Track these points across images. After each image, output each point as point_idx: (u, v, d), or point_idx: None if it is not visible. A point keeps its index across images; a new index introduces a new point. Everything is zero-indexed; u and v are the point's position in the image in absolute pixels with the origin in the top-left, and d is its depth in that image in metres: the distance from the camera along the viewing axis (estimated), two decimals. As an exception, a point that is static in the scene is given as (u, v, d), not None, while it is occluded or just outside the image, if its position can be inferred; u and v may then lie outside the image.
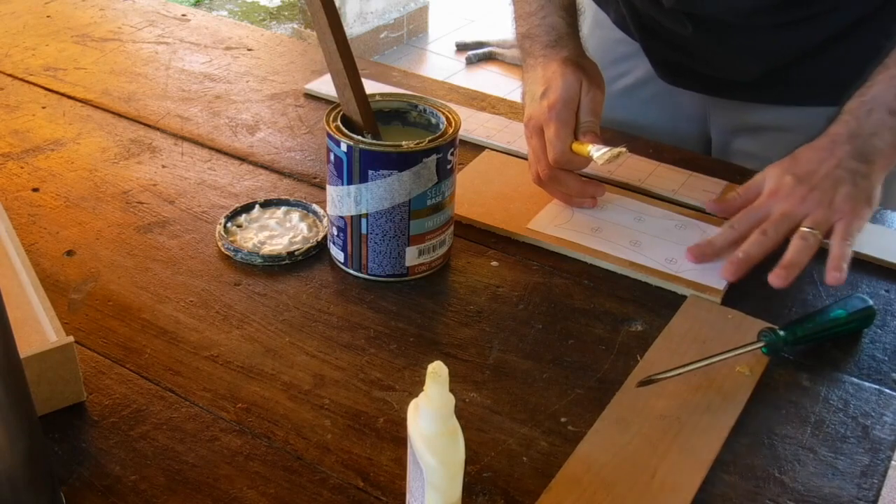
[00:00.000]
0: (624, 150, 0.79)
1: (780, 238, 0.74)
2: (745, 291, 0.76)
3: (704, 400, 0.65)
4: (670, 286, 0.76)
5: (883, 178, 0.77)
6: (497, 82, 3.31)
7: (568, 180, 0.84)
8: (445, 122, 0.75)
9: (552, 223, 0.83)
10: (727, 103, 1.00)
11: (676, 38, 0.94)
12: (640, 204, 0.87)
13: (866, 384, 0.68)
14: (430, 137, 0.72)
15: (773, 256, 0.74)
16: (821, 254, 0.81)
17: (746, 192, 0.80)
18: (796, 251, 0.73)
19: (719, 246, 0.77)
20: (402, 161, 0.70)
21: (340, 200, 0.74)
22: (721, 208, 0.82)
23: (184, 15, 1.27)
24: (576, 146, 0.81)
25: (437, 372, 0.47)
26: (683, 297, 0.75)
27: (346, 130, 0.73)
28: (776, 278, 0.72)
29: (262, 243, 0.80)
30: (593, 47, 1.12)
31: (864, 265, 0.80)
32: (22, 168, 0.90)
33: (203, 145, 0.96)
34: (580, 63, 0.84)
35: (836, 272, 0.72)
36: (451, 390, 0.48)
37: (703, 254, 0.77)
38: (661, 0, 0.89)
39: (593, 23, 1.11)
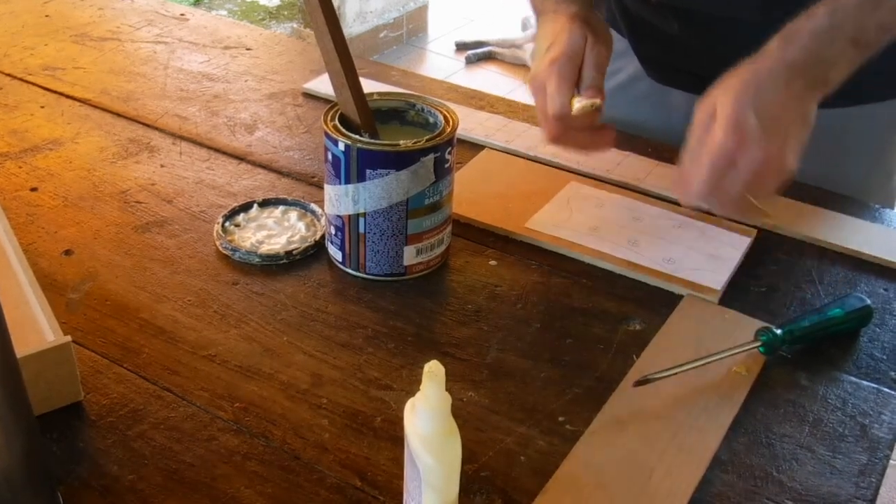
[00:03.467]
0: (598, 102, 0.78)
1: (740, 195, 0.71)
2: (742, 291, 0.76)
3: (702, 400, 0.65)
4: (668, 286, 0.76)
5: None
6: (496, 82, 3.31)
7: (577, 137, 0.82)
8: (443, 122, 0.75)
9: (550, 222, 0.83)
10: None
11: (664, 37, 0.94)
12: (639, 203, 0.87)
13: (864, 383, 0.68)
14: (427, 136, 0.72)
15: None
16: (819, 253, 0.81)
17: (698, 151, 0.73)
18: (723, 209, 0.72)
19: (699, 196, 0.73)
20: (399, 160, 0.70)
21: (338, 200, 0.74)
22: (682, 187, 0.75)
23: (182, 14, 1.27)
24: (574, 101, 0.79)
25: (433, 371, 0.47)
26: (681, 297, 0.75)
27: (343, 130, 0.72)
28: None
29: (260, 242, 0.80)
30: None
31: (862, 264, 0.80)
32: (20, 167, 0.90)
33: (201, 145, 0.96)
34: (587, 19, 0.83)
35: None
36: (449, 389, 0.48)
37: (687, 203, 0.75)
38: None
39: None
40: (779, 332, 0.68)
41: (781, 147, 0.70)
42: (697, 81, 0.99)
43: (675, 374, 0.65)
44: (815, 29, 0.72)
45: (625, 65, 1.05)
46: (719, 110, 0.72)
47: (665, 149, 0.97)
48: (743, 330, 0.71)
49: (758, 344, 0.68)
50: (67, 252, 0.78)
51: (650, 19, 0.94)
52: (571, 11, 0.84)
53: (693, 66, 0.97)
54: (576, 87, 0.80)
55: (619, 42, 1.05)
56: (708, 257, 0.79)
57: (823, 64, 0.71)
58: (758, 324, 0.70)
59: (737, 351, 0.68)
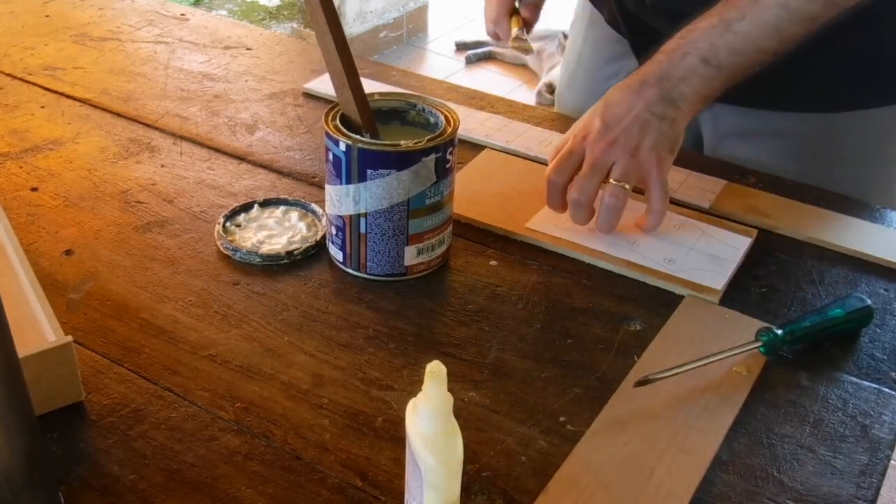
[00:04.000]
0: (531, 49, 0.99)
1: (595, 190, 0.79)
2: (743, 291, 0.76)
3: (702, 400, 0.65)
4: (668, 286, 0.76)
5: (687, 124, 0.80)
6: (496, 81, 3.31)
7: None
8: (444, 122, 0.75)
9: (551, 222, 0.83)
10: (716, 106, 1.00)
11: (663, 39, 0.95)
12: (639, 203, 0.86)
13: (865, 383, 0.68)
14: (428, 137, 0.72)
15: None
16: (819, 253, 0.81)
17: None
18: (608, 210, 0.78)
19: (554, 202, 0.82)
20: (400, 160, 0.70)
21: (339, 200, 0.74)
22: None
23: (183, 14, 1.27)
24: (515, 19, 0.99)
25: (435, 371, 0.47)
26: (682, 297, 0.75)
27: (344, 130, 0.73)
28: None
29: (261, 243, 0.80)
30: (588, 46, 1.12)
31: (862, 264, 0.80)
32: (21, 167, 0.90)
33: (202, 145, 0.96)
34: None
35: (654, 227, 0.81)
36: (450, 390, 0.48)
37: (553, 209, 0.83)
38: None
39: (588, 21, 1.11)
40: (779, 332, 0.68)
41: (626, 137, 0.77)
42: None
43: (676, 374, 0.65)
44: (667, 47, 0.80)
45: (626, 66, 1.05)
46: (577, 122, 0.81)
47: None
48: (743, 330, 0.71)
49: (758, 344, 0.68)
50: (68, 252, 0.78)
51: (649, 21, 0.94)
52: None
53: None
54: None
55: (621, 44, 1.05)
56: (708, 257, 0.79)
57: (673, 77, 0.79)
58: (758, 324, 0.70)
59: (737, 351, 0.68)
